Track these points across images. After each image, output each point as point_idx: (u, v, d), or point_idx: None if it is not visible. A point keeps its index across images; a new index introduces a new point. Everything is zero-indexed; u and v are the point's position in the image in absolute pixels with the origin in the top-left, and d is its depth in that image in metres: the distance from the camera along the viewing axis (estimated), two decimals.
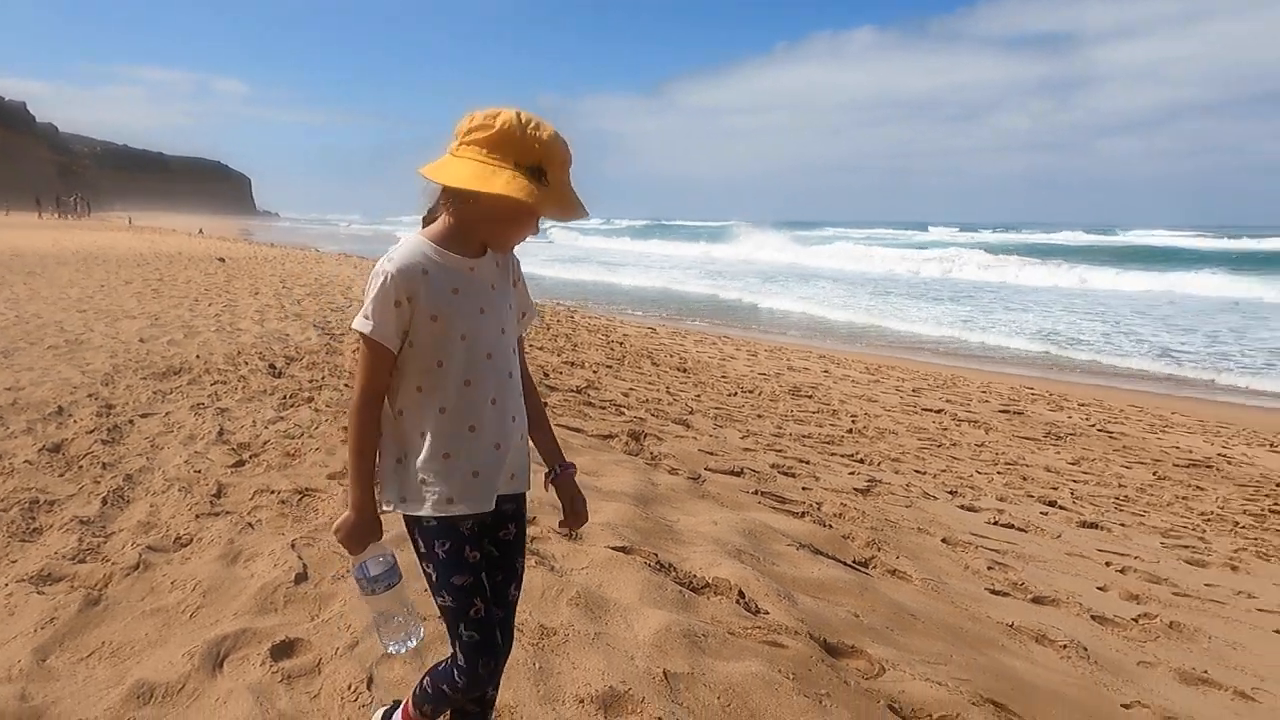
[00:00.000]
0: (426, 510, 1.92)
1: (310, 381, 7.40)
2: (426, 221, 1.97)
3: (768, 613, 3.41)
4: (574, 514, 2.16)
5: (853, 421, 8.97)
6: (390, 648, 2.01)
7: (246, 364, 8.11)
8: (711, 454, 6.57)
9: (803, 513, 5.37)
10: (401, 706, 2.18)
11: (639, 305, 23.11)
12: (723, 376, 11.00)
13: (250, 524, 3.87)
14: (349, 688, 2.50)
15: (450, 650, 1.98)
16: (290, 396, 6.72)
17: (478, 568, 1.95)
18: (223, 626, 2.89)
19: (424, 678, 2.09)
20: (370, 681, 2.56)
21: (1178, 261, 38.48)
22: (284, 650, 2.74)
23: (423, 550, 1.96)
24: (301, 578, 3.25)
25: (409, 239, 1.95)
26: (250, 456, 5.01)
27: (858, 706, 2.77)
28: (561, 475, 2.15)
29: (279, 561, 3.35)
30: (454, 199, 1.90)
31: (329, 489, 4.47)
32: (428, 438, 1.90)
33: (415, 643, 2.03)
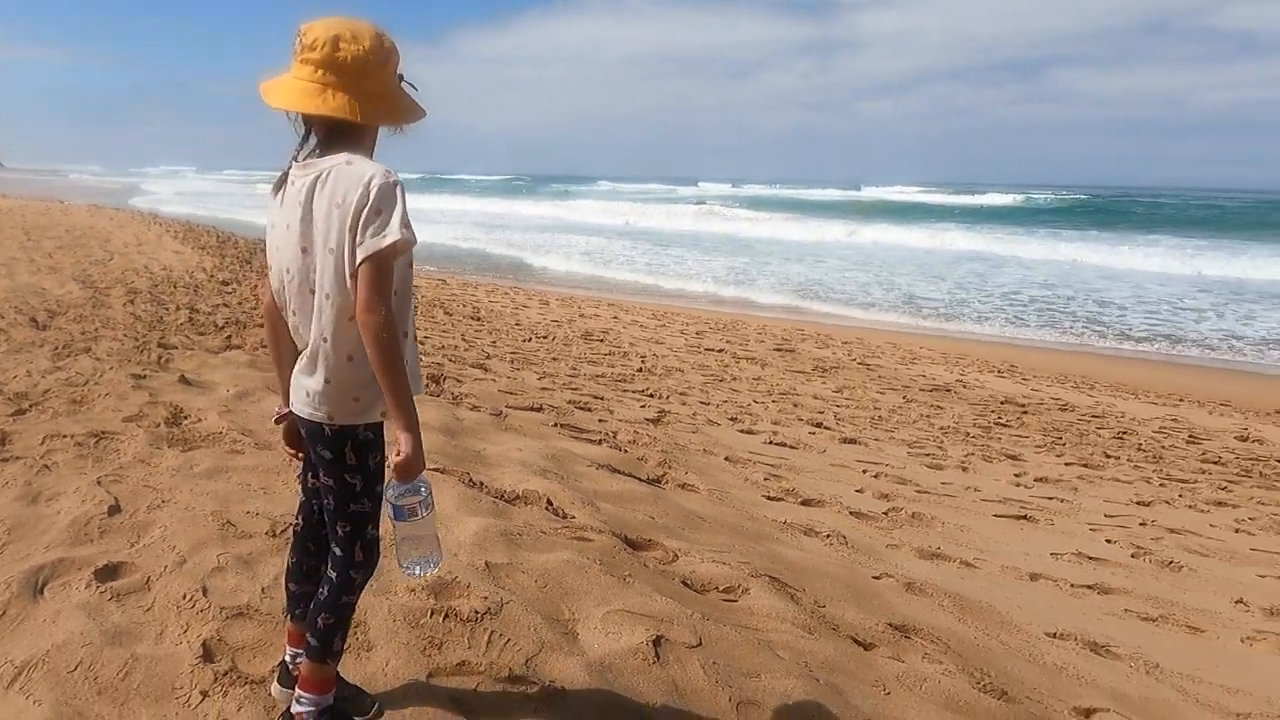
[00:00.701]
0: (376, 417, 1.99)
1: (83, 333, 6.97)
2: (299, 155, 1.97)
3: (574, 517, 3.76)
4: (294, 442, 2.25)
5: (642, 361, 9.50)
6: (415, 569, 2.01)
7: (3, 317, 7.49)
8: (511, 393, 6.84)
9: (600, 440, 5.77)
10: (300, 682, 2.11)
11: (418, 261, 22.74)
12: (516, 324, 11.24)
13: (46, 466, 3.75)
14: (184, 597, 2.60)
15: (324, 568, 2.08)
16: (64, 347, 6.33)
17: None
18: (36, 559, 2.87)
19: (315, 621, 2.07)
20: (205, 591, 2.67)
21: (923, 216, 42.13)
22: (108, 573, 2.78)
23: (353, 462, 2.00)
24: (115, 510, 3.25)
25: (366, 160, 1.94)
26: (31, 405, 4.77)
27: (657, 582, 3.18)
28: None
29: (87, 498, 3.32)
30: (365, 129, 1.94)
31: (127, 431, 4.37)
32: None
33: (434, 568, 2.05)
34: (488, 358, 8.46)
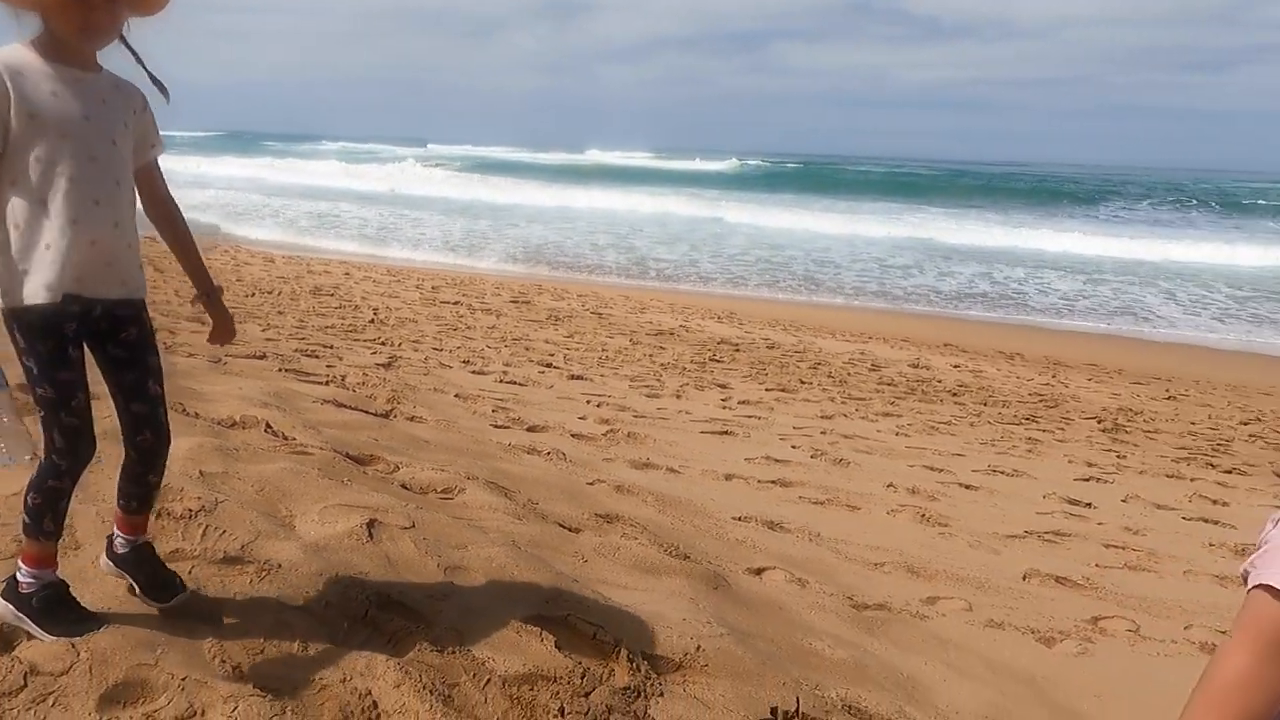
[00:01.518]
0: (29, 300, 2.00)
1: None
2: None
3: (295, 438, 3.85)
4: (223, 329, 2.44)
5: (374, 314, 9.45)
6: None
7: None
8: (231, 344, 6.64)
9: (327, 381, 5.79)
10: (21, 557, 2.18)
11: None
12: (238, 280, 10.74)
13: None
14: None
15: (41, 455, 2.09)
16: None
17: (80, 365, 2.09)
18: None
19: (26, 499, 2.14)
20: None
21: (651, 180, 43.54)
22: None
23: (23, 346, 2.04)
24: None
25: (8, 45, 1.98)
26: None
27: (375, 485, 3.38)
28: (211, 295, 2.39)
29: None
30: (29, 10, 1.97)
31: None
32: (24, 228, 1.99)
33: (20, 460, 2.03)
34: (204, 312, 8.08)
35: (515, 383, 6.94)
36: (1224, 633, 3.70)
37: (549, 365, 7.77)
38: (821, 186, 42.43)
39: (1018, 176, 55.31)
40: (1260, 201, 42.12)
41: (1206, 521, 5.20)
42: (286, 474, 3.18)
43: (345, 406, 5.06)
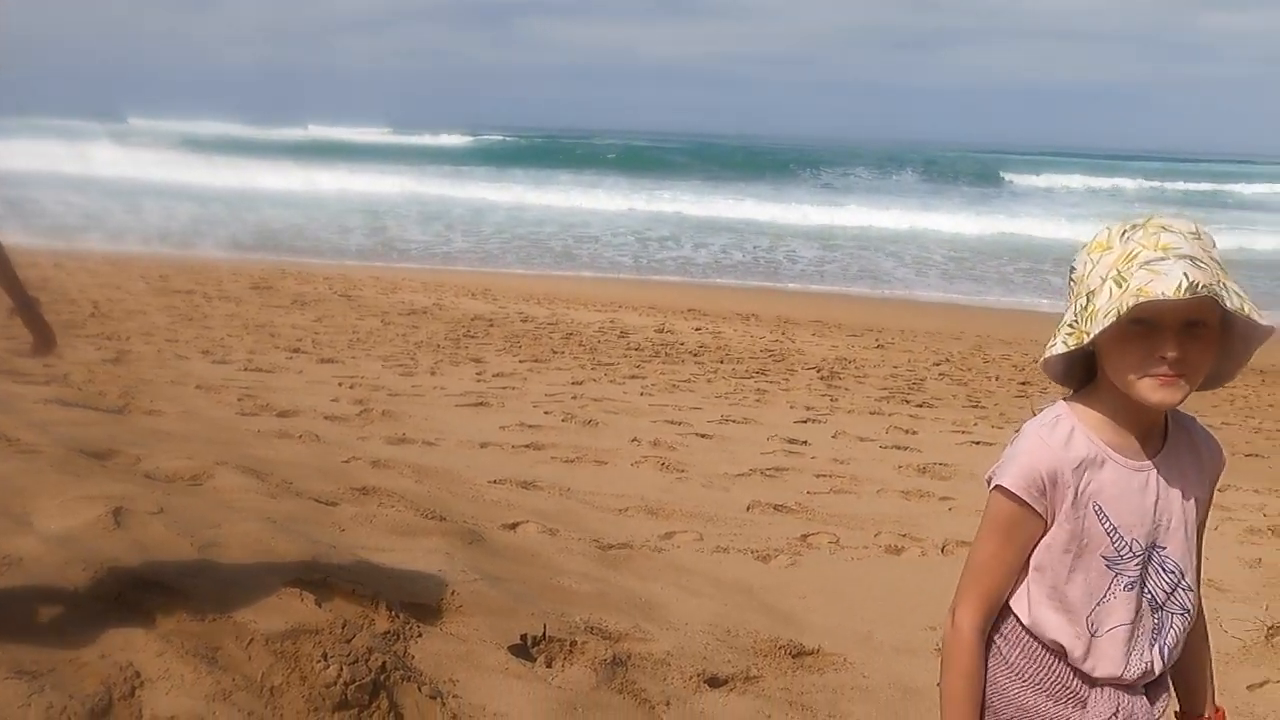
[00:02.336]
0: None
1: None
2: None
3: (20, 438, 3.68)
4: (44, 342, 2.36)
5: (95, 307, 8.78)
6: None
7: None
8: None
9: (47, 381, 5.43)
10: None
11: None
12: None
13: None
14: None
15: None
16: None
17: None
18: None
19: None
20: None
21: (400, 158, 41.74)
22: None
23: None
24: None
25: None
26: None
27: (117, 476, 3.33)
28: (30, 308, 2.31)
29: None
30: None
31: None
32: None
33: None
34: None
35: (261, 370, 6.78)
36: (905, 535, 4.45)
37: (297, 351, 7.62)
38: (568, 162, 43.01)
39: (759, 150, 58.83)
40: (970, 174, 47.14)
41: (898, 449, 6.07)
42: (16, 472, 3.07)
43: (74, 405, 4.81)
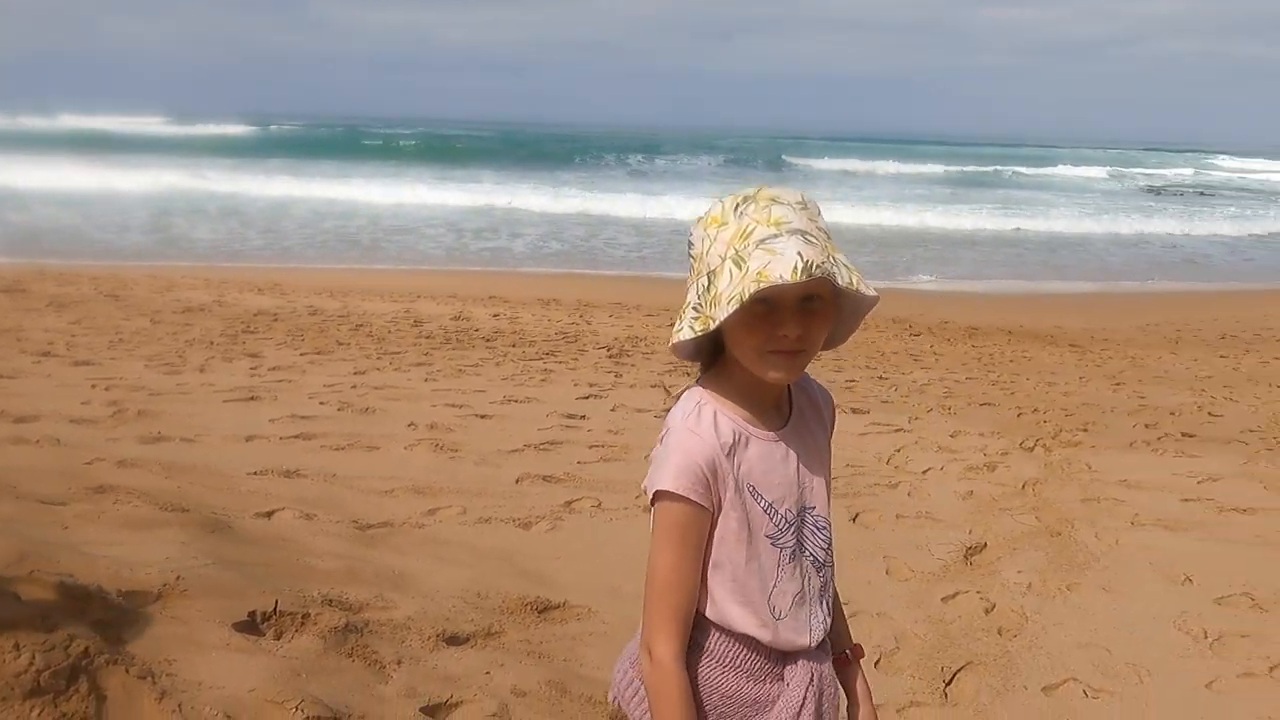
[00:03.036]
0: None
1: None
2: None
3: None
4: None
5: None
6: None
7: None
8: None
9: None
10: None
11: None
12: None
13: None
14: None
15: None
16: None
17: None
18: None
19: None
20: None
21: (178, 150, 38.59)
22: None
23: None
24: None
25: None
26: None
27: None
28: None
29: None
30: None
31: None
32: None
33: None
34: None
35: (2, 376, 6.29)
36: None
37: (46, 354, 7.10)
38: (367, 153, 41.65)
39: (563, 138, 59.05)
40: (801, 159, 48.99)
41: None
42: None
43: None
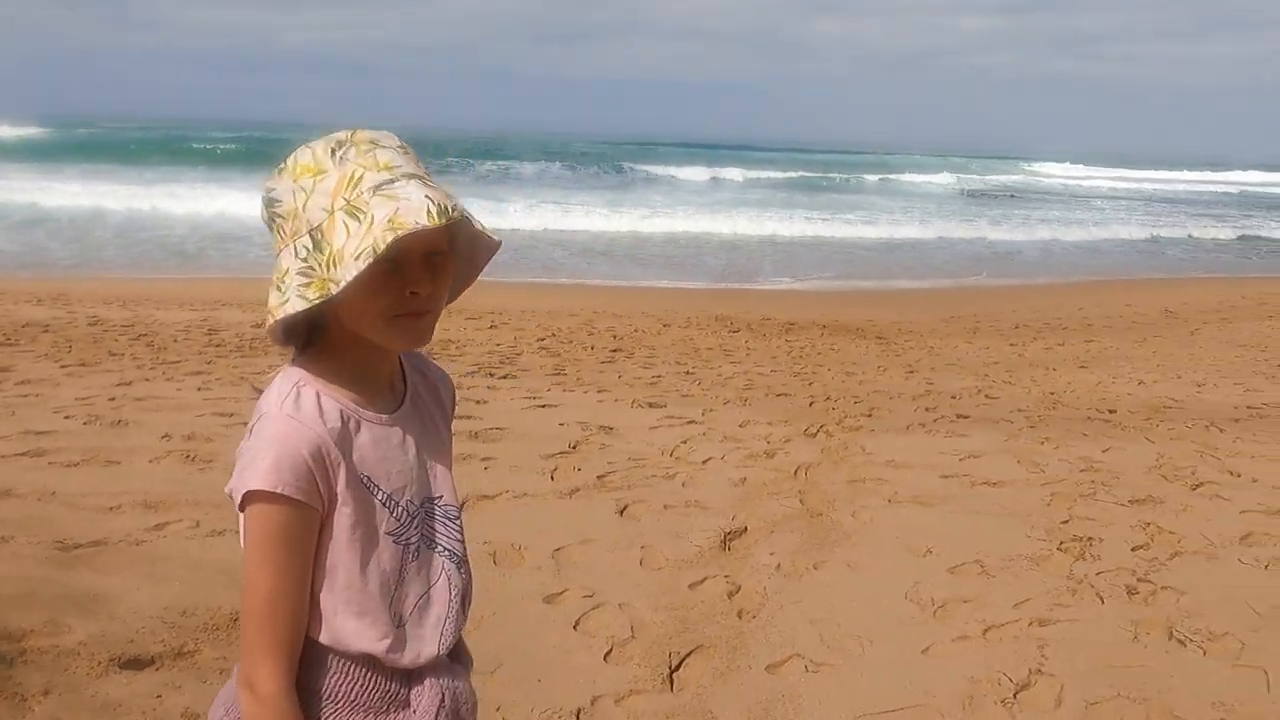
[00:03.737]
0: None
1: None
2: None
3: None
4: None
5: None
6: None
7: None
8: None
9: None
10: None
11: None
12: None
13: None
14: None
15: None
16: None
17: None
18: None
19: None
20: None
21: None
22: None
23: None
24: None
25: None
26: None
27: None
28: None
29: None
30: None
31: None
32: None
33: None
34: None
35: None
36: None
37: None
38: (189, 157, 39.30)
39: (409, 142, 57.37)
40: (635, 166, 49.10)
41: (463, 417, 6.19)
42: None
43: None
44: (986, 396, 7.79)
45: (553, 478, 4.95)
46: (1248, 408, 7.54)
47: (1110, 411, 7.28)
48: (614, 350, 9.57)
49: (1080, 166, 74.25)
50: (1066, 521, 4.53)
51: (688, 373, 8.45)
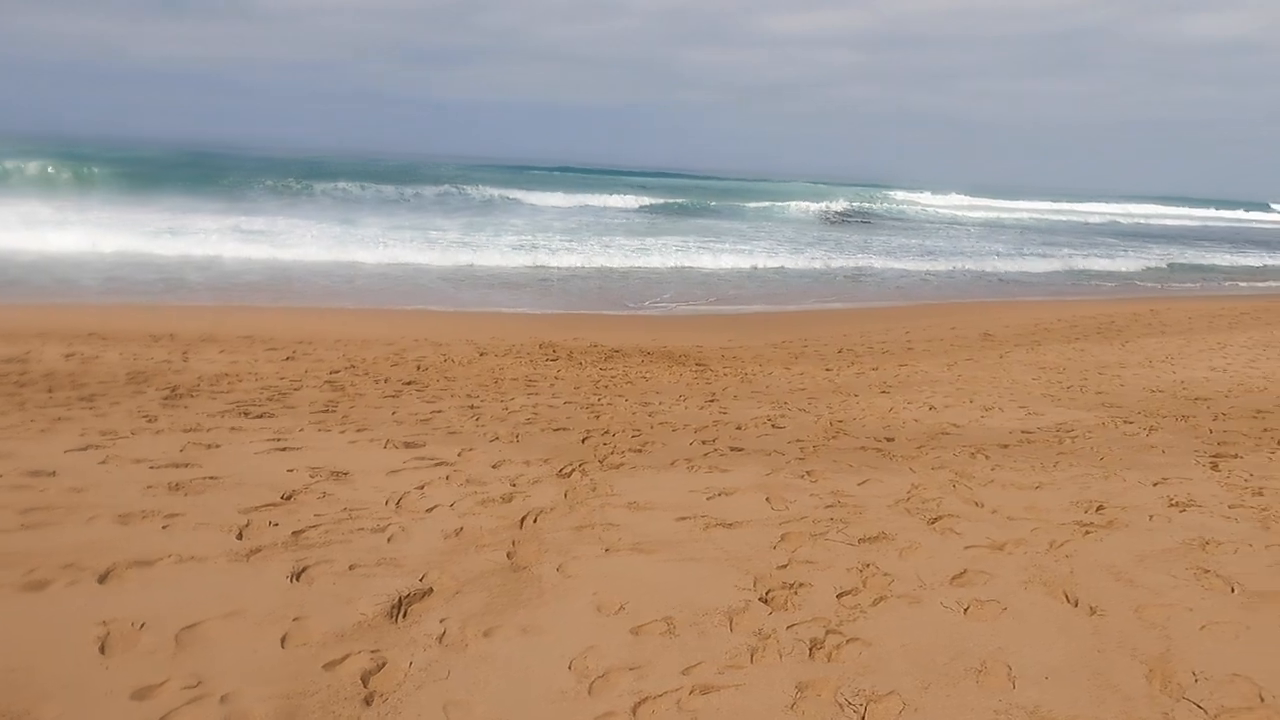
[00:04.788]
0: None
1: None
2: None
3: None
4: None
5: None
6: None
7: None
8: None
9: None
10: None
11: None
12: None
13: None
14: None
15: None
16: None
17: None
18: None
19: None
20: None
21: None
22: None
23: None
24: None
25: None
26: None
27: None
28: None
29: None
30: None
31: None
32: None
33: None
34: None
35: None
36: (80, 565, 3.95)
37: None
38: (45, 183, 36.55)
39: (260, 161, 55.24)
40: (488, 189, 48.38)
41: (178, 466, 5.58)
42: None
43: None
44: (773, 426, 7.64)
45: (240, 536, 4.44)
46: (1022, 432, 7.61)
47: (888, 440, 7.22)
48: (407, 383, 9.06)
49: (933, 194, 77.60)
50: (784, 566, 4.30)
51: (471, 407, 8.01)
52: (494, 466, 5.93)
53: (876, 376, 10.79)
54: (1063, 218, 60.81)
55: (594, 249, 24.88)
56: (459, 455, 6.19)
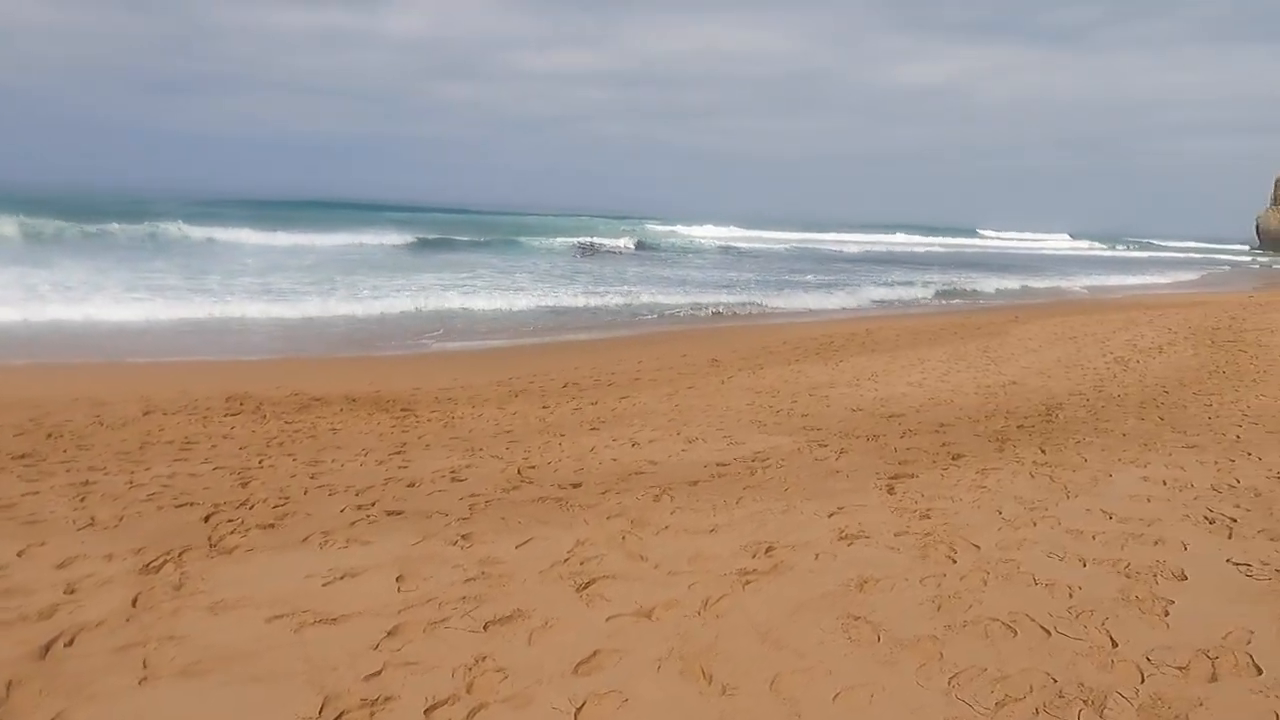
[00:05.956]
0: None
1: None
2: None
3: None
4: None
5: None
6: None
7: None
8: None
9: None
10: None
11: None
12: None
13: None
14: None
15: None
16: None
17: None
18: None
19: None
20: None
21: None
22: None
23: None
24: None
25: None
26: None
27: None
28: None
29: None
30: None
31: None
32: None
33: None
34: None
35: None
36: None
37: None
38: None
39: None
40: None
41: None
42: None
43: None
44: (453, 479, 6.83)
45: None
46: (717, 465, 7.25)
47: (574, 486, 6.61)
48: (18, 457, 7.47)
49: (685, 226, 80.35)
50: (377, 674, 3.48)
51: (85, 483, 6.63)
52: (58, 567, 4.71)
53: (593, 412, 10.27)
54: (810, 246, 64.44)
55: (338, 287, 23.22)
56: (20, 553, 4.90)
